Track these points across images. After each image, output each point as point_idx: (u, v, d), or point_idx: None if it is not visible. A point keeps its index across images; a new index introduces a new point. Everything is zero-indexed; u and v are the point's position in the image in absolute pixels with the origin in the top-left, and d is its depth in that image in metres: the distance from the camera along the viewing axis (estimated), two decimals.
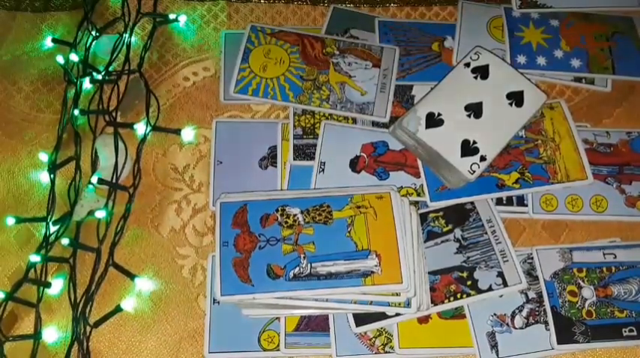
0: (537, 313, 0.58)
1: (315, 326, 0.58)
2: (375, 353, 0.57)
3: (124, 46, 0.69)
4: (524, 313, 0.58)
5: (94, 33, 0.70)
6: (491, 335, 0.57)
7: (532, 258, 0.60)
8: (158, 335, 0.60)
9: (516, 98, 0.60)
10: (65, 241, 0.61)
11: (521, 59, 0.68)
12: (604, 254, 0.60)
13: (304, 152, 0.64)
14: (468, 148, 0.58)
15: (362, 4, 0.73)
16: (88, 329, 0.59)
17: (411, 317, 0.57)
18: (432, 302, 0.57)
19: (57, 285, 0.60)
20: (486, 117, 0.59)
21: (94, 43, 0.70)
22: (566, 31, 0.70)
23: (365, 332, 0.58)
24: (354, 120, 0.66)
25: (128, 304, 0.59)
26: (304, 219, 0.56)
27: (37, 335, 0.58)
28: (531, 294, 0.59)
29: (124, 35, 0.70)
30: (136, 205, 0.64)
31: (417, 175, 0.63)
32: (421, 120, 0.59)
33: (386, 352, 0.57)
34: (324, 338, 0.58)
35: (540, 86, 0.67)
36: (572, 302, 0.58)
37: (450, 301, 0.57)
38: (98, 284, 0.60)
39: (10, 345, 0.58)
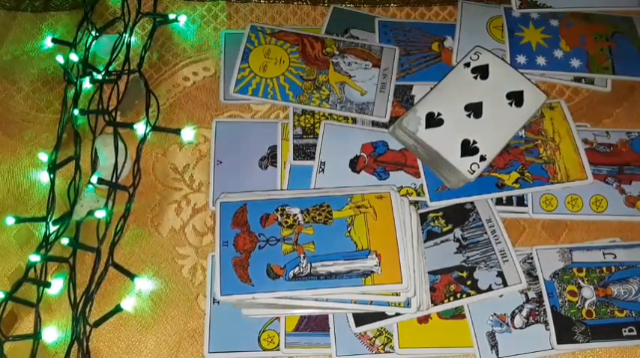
0: (537, 313, 0.58)
1: (315, 326, 0.58)
2: (375, 353, 0.57)
3: (124, 46, 0.69)
4: (524, 313, 0.58)
5: (93, 33, 0.70)
6: (491, 335, 0.57)
7: (532, 258, 0.60)
8: (158, 335, 0.60)
9: (516, 98, 0.60)
10: (65, 241, 0.61)
11: (521, 59, 0.68)
12: (604, 254, 0.60)
13: (304, 152, 0.64)
14: (468, 148, 0.58)
15: (362, 4, 0.73)
16: (88, 328, 0.59)
17: (411, 317, 0.57)
18: (431, 302, 0.57)
19: (57, 285, 0.60)
20: (486, 117, 0.59)
21: (94, 43, 0.70)
22: (565, 31, 0.70)
23: (365, 332, 0.58)
24: (354, 120, 0.66)
25: (128, 304, 0.59)
26: (304, 219, 0.56)
27: (36, 335, 0.58)
28: (531, 294, 0.59)
29: (124, 35, 0.70)
30: (135, 205, 0.64)
31: (417, 175, 0.63)
32: (421, 120, 0.59)
33: (386, 352, 0.57)
34: (324, 338, 0.58)
35: (540, 86, 0.67)
36: (572, 302, 0.58)
37: (449, 301, 0.57)
38: (98, 284, 0.60)
39: (9, 345, 0.58)
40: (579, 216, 0.62)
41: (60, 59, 0.69)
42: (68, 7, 0.74)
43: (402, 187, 0.62)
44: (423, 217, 0.61)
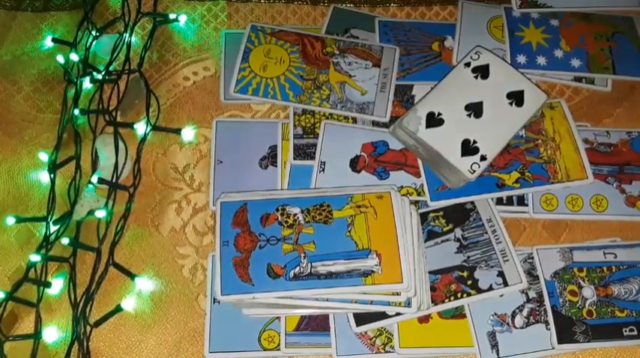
0: (538, 312, 0.58)
1: (315, 325, 0.58)
2: (376, 353, 0.57)
3: (124, 46, 0.69)
4: (525, 313, 0.58)
5: (94, 33, 0.70)
6: (492, 335, 0.57)
7: (532, 258, 0.60)
8: (158, 334, 0.60)
9: (517, 98, 0.60)
10: (65, 241, 0.61)
11: (522, 59, 0.68)
12: (604, 253, 0.60)
13: (304, 152, 0.64)
14: (468, 148, 0.58)
15: (362, 4, 0.73)
16: (88, 328, 0.59)
17: (412, 316, 0.57)
18: (432, 302, 0.57)
19: (57, 285, 0.60)
20: (487, 117, 0.59)
21: (94, 43, 0.70)
22: (566, 30, 0.70)
23: (365, 332, 0.58)
24: (354, 120, 0.66)
25: (128, 304, 0.59)
26: (304, 219, 0.56)
27: (37, 335, 0.58)
28: (532, 294, 0.59)
29: (124, 35, 0.70)
30: (136, 205, 0.64)
31: (417, 175, 0.63)
32: (421, 119, 0.59)
33: (386, 352, 0.57)
34: (324, 337, 0.58)
35: (540, 86, 0.67)
36: (572, 302, 0.58)
37: (450, 301, 0.57)
38: (98, 284, 0.60)
39: (10, 345, 0.58)
40: (580, 215, 0.62)
41: (60, 59, 0.69)
42: (68, 6, 0.74)
43: (402, 187, 0.62)
44: (423, 217, 0.61)
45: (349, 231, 0.55)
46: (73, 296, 0.60)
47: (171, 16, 0.71)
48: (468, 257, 0.59)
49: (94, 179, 0.63)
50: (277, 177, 0.64)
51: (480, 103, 0.59)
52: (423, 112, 0.60)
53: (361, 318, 0.57)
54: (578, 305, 0.58)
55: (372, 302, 0.54)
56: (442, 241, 0.60)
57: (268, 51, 0.68)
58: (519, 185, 0.61)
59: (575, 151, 0.63)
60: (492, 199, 0.62)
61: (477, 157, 0.58)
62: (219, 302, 0.58)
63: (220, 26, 0.72)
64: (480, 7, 0.72)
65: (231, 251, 0.55)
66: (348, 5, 0.73)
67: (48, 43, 0.71)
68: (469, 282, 0.58)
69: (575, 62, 0.69)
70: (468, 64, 0.61)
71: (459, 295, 0.58)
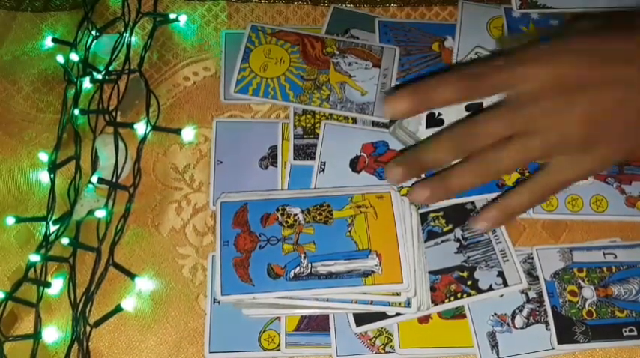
0: (538, 313, 0.58)
1: (315, 325, 0.58)
2: (376, 353, 0.57)
3: (124, 46, 0.69)
4: (525, 313, 0.58)
5: (94, 33, 0.70)
6: (492, 335, 0.57)
7: (532, 258, 0.60)
8: (158, 334, 0.60)
9: None
10: (65, 241, 0.61)
11: None
12: (604, 254, 0.60)
13: (304, 152, 0.64)
14: None
15: (362, 5, 0.73)
16: (88, 328, 0.59)
17: (412, 316, 0.57)
18: (432, 302, 0.57)
19: (57, 285, 0.60)
20: None
21: (94, 43, 0.70)
22: None
23: (365, 332, 0.58)
24: (355, 120, 0.66)
25: (128, 304, 0.59)
26: (305, 219, 0.56)
27: (37, 335, 0.58)
28: (532, 294, 0.59)
29: (124, 35, 0.70)
30: (136, 205, 0.64)
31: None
32: (421, 119, 0.59)
33: (386, 352, 0.57)
34: (324, 337, 0.58)
35: None
36: (572, 302, 0.58)
37: (450, 301, 0.57)
38: (98, 284, 0.60)
39: (9, 345, 0.58)
40: (579, 216, 0.62)
41: (60, 59, 0.69)
42: (68, 7, 0.73)
43: (402, 187, 0.62)
44: (423, 217, 0.61)
45: (349, 231, 0.55)
46: (72, 296, 0.60)
47: (172, 16, 0.71)
48: (468, 257, 0.59)
49: (94, 179, 0.63)
50: (277, 177, 0.64)
51: (480, 104, 0.59)
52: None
53: (361, 318, 0.57)
54: (578, 305, 0.58)
55: (372, 303, 0.54)
56: (442, 241, 0.60)
57: (268, 51, 0.68)
58: None
59: None
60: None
61: None
62: (219, 302, 0.58)
63: (220, 26, 0.72)
64: (479, 7, 0.72)
65: (231, 251, 0.55)
66: (348, 5, 0.73)
67: (48, 43, 0.70)
68: (469, 282, 0.58)
69: None
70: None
71: (459, 295, 0.58)
